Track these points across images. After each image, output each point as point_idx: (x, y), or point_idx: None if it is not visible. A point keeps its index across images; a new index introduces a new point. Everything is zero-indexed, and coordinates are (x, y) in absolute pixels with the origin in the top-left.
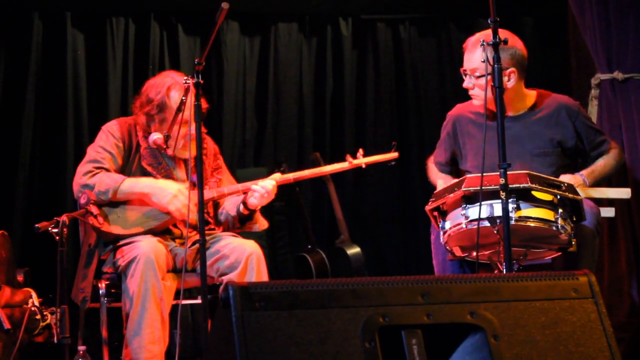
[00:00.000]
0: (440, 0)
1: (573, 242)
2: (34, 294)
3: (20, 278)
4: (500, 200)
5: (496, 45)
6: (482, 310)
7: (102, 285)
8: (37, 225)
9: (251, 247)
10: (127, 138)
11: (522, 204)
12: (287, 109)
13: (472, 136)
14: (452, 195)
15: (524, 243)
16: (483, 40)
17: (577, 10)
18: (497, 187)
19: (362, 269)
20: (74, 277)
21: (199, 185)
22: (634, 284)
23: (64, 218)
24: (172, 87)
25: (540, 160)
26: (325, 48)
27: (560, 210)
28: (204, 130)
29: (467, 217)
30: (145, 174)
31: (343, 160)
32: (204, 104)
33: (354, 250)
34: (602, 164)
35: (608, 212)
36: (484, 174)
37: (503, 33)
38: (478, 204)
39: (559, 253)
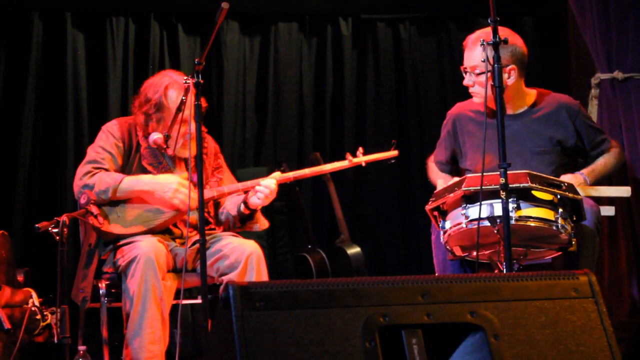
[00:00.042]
0: (440, 0)
1: (573, 242)
2: (34, 294)
3: (20, 278)
4: (500, 200)
5: (496, 44)
6: (482, 310)
7: (103, 285)
8: (37, 225)
9: (251, 247)
10: (127, 138)
11: (522, 204)
12: (287, 108)
13: (472, 134)
14: (452, 194)
15: (524, 243)
16: (483, 40)
17: (577, 10)
18: (497, 186)
19: (362, 269)
20: (74, 277)
21: (199, 184)
22: (634, 283)
23: (64, 218)
24: (169, 86)
25: (540, 158)
26: (325, 48)
27: (560, 210)
28: (204, 129)
29: (467, 217)
30: (145, 173)
31: (343, 159)
32: (203, 103)
33: (354, 250)
34: (603, 162)
35: (608, 210)
36: (484, 174)
37: (503, 31)
38: (478, 203)
39: (559, 253)
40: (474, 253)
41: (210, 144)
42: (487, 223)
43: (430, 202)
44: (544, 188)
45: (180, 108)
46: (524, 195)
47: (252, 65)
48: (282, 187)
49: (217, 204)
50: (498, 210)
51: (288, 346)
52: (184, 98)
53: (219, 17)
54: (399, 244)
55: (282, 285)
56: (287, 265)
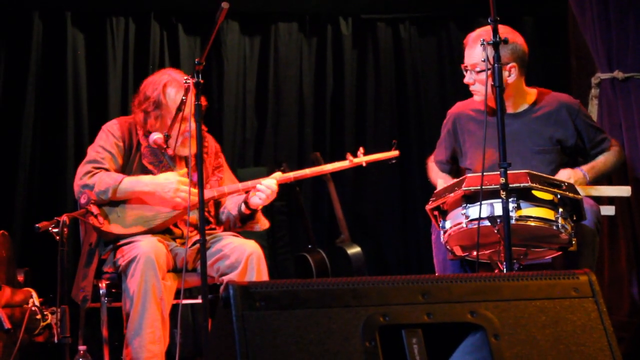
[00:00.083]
0: (440, 0)
1: (573, 242)
2: (34, 294)
3: (20, 278)
4: (500, 200)
5: (496, 44)
6: (482, 310)
7: (103, 285)
8: (37, 225)
9: (251, 247)
10: (127, 137)
11: (522, 204)
12: (288, 108)
13: (472, 133)
14: (452, 194)
15: (524, 242)
16: (483, 40)
17: (578, 10)
18: (498, 186)
19: (362, 269)
20: (74, 276)
21: (199, 183)
22: (634, 282)
23: (64, 218)
24: (168, 84)
25: (540, 157)
26: (325, 47)
27: (560, 210)
28: (204, 128)
29: (467, 217)
30: (146, 172)
31: (343, 159)
32: (203, 102)
33: (354, 249)
34: (603, 160)
35: (608, 210)
36: (484, 174)
37: (504, 29)
38: (478, 203)
39: (560, 252)
40: (474, 253)
41: (211, 143)
42: (487, 223)
43: (430, 202)
44: (544, 188)
45: (180, 108)
46: (524, 195)
47: (252, 65)
48: (282, 186)
49: (217, 204)
50: (498, 210)
51: (288, 346)
52: (184, 98)
53: (219, 17)
54: (399, 244)
55: (282, 285)
56: (287, 265)
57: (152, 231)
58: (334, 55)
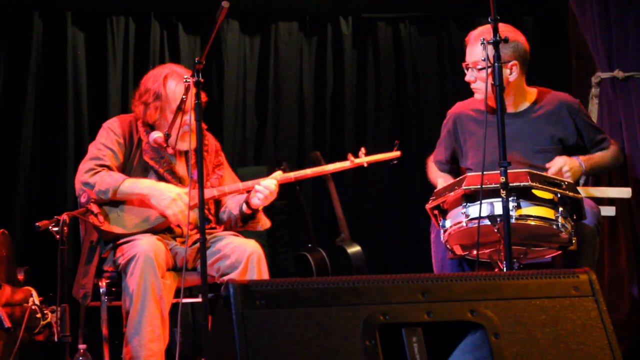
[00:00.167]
0: None
1: (573, 241)
2: (34, 293)
3: (20, 277)
4: (500, 199)
5: (496, 43)
6: (482, 308)
7: (103, 283)
8: (37, 223)
9: (252, 246)
10: (128, 134)
11: (522, 203)
12: (288, 107)
13: (473, 133)
14: (452, 193)
15: (524, 241)
16: (483, 39)
17: (578, 9)
18: (498, 185)
19: (362, 268)
20: (75, 275)
21: (199, 179)
22: (634, 282)
23: (65, 217)
24: (169, 76)
25: (541, 157)
26: (325, 47)
27: (560, 209)
28: (204, 126)
29: (467, 216)
30: (147, 168)
31: (343, 159)
32: (203, 98)
33: (354, 248)
34: (600, 154)
35: (609, 211)
36: (485, 173)
37: (505, 27)
38: (478, 202)
39: (560, 252)
40: (474, 252)
41: (211, 141)
42: (487, 222)
43: (430, 201)
44: (544, 187)
45: (180, 107)
46: (524, 194)
47: (252, 64)
48: (283, 186)
49: (218, 203)
50: (498, 209)
51: (288, 344)
52: (184, 97)
53: (219, 16)
54: (399, 243)
55: (282, 284)
56: (287, 264)
57: (152, 231)
58: (334, 54)
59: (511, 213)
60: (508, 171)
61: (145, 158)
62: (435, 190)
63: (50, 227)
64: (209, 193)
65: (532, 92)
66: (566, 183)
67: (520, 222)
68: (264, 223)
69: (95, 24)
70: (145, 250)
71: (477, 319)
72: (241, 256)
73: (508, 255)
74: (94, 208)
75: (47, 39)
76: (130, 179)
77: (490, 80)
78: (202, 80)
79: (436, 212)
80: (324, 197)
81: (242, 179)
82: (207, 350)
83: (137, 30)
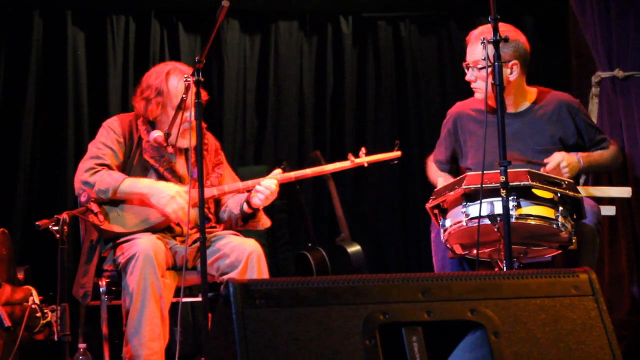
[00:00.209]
0: None
1: (573, 240)
2: (34, 292)
3: (20, 276)
4: (500, 198)
5: (497, 42)
6: (482, 308)
7: (103, 282)
8: (37, 222)
9: (251, 245)
10: (127, 133)
11: (522, 202)
12: (288, 107)
13: (473, 133)
14: (452, 192)
15: (524, 241)
16: (484, 39)
17: (578, 9)
18: (498, 184)
19: (362, 267)
20: (75, 274)
21: (199, 177)
22: (634, 282)
23: (65, 216)
24: (171, 72)
25: (542, 157)
26: (325, 46)
27: (560, 208)
28: (203, 125)
29: (467, 215)
30: (147, 167)
31: (344, 158)
32: (204, 95)
33: (354, 248)
34: (599, 153)
35: (609, 210)
36: (485, 172)
37: (506, 27)
38: (478, 201)
39: (560, 251)
40: (474, 251)
41: (211, 140)
42: (487, 221)
43: (430, 200)
44: (545, 186)
45: (180, 106)
46: (525, 194)
47: (252, 63)
48: (283, 185)
49: (217, 202)
50: (498, 209)
51: (288, 344)
52: (184, 96)
53: (220, 15)
54: (399, 243)
55: (282, 283)
56: (287, 263)
57: (152, 230)
58: (335, 53)
59: (511, 212)
60: (508, 170)
61: (145, 157)
62: (435, 190)
63: (50, 226)
64: (209, 192)
65: (532, 92)
66: (566, 182)
67: (520, 221)
68: (265, 222)
69: (95, 23)
70: (145, 249)
71: (477, 318)
72: (241, 255)
73: (508, 255)
74: (94, 207)
75: (47, 39)
76: (130, 178)
77: (490, 80)
78: (202, 79)
79: (436, 211)
80: (324, 196)
81: (242, 178)
82: (207, 349)
83: (137, 29)
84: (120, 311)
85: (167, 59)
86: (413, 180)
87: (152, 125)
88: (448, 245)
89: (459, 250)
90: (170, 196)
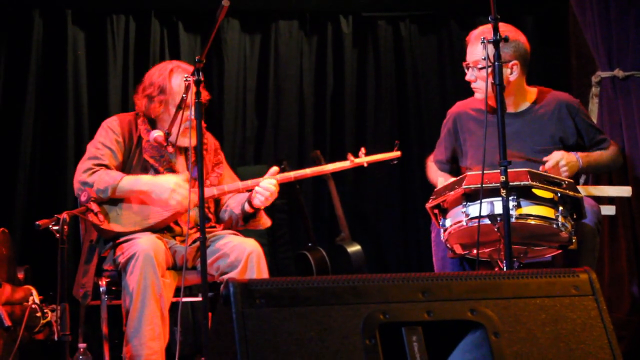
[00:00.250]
0: None
1: (573, 240)
2: (34, 292)
3: (20, 275)
4: (500, 198)
5: (497, 42)
6: (482, 308)
7: (103, 282)
8: (37, 222)
9: (251, 245)
10: (127, 133)
11: (522, 202)
12: (288, 106)
13: (473, 133)
14: (452, 192)
15: (524, 241)
16: (484, 38)
17: (578, 9)
18: (498, 184)
19: (362, 267)
20: (75, 274)
21: (199, 176)
22: (634, 281)
23: (65, 215)
24: (174, 70)
25: (542, 156)
26: (325, 46)
27: (560, 208)
28: (203, 125)
29: (467, 215)
30: (146, 167)
31: (343, 158)
32: (205, 95)
33: (354, 248)
34: (599, 153)
35: (609, 210)
36: (485, 172)
37: (506, 27)
38: (479, 201)
39: (560, 251)
40: (474, 251)
41: (210, 140)
42: (487, 221)
43: (430, 200)
44: (545, 186)
45: (180, 106)
46: (525, 193)
47: (252, 63)
48: (283, 185)
49: (217, 202)
50: (498, 208)
51: (288, 343)
52: (184, 96)
53: (220, 15)
54: (399, 243)
55: (282, 283)
56: (287, 263)
57: (152, 229)
58: (335, 53)
59: (511, 212)
60: (508, 170)
61: (145, 156)
62: (435, 190)
63: (50, 226)
64: (209, 192)
65: (533, 92)
66: (566, 182)
67: (520, 221)
68: (265, 222)
69: (95, 23)
70: (145, 249)
71: (477, 318)
72: (241, 255)
73: (508, 255)
74: (94, 207)
75: (48, 38)
76: (128, 176)
77: (490, 80)
78: (202, 78)
79: (436, 211)
80: (324, 196)
81: (242, 178)
82: (207, 349)
83: (138, 29)
84: (120, 311)
85: (167, 59)
86: (413, 180)
87: (152, 124)
88: (448, 245)
89: (459, 250)
90: (171, 189)
